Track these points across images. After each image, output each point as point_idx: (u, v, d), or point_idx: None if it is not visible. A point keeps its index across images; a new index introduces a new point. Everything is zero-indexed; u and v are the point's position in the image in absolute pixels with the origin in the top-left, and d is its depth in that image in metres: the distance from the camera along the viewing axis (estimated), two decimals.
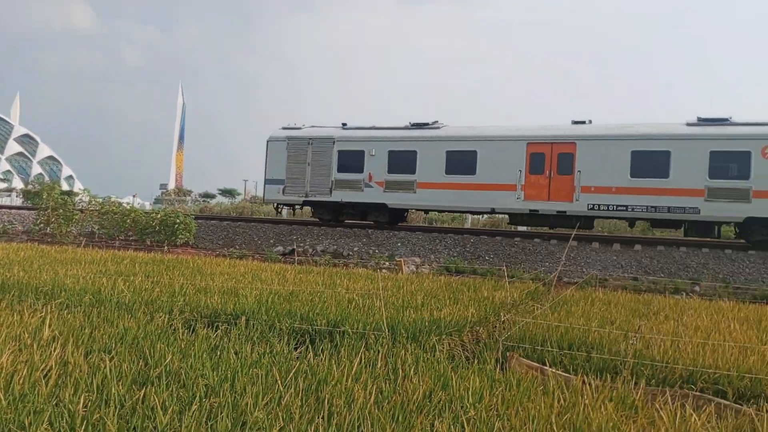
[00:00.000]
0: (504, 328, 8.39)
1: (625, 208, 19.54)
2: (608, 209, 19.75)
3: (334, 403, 4.54)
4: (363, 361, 5.85)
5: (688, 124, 19.87)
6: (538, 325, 8.20)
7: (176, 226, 21.40)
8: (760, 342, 8.57)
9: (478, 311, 9.35)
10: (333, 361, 5.73)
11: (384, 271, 15.08)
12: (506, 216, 23.18)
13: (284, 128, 25.01)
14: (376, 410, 4.42)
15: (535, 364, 6.52)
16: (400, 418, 4.31)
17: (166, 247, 19.63)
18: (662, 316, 10.41)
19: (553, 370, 6.18)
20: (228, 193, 74.12)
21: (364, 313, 7.87)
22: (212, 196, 71.92)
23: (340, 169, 23.40)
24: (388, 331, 6.90)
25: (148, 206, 56.66)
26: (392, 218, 23.74)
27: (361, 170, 23.02)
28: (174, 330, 6.58)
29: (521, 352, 7.14)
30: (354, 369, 5.41)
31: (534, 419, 4.69)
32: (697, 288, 15.19)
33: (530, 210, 20.65)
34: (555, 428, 4.54)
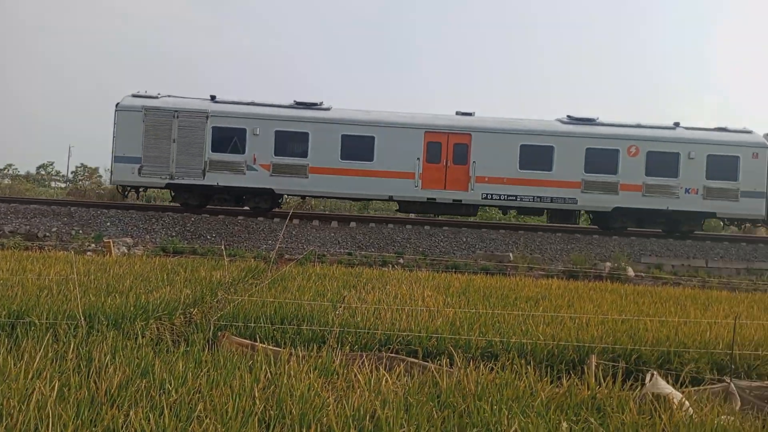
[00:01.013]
0: (219, 308, 8.23)
1: (515, 198, 20.76)
2: (500, 198, 20.78)
3: (7, 404, 3.92)
4: (50, 354, 5.19)
5: (563, 122, 21.79)
6: (252, 302, 8.21)
7: None
8: (446, 305, 9.88)
9: (194, 292, 9.02)
10: (11, 357, 4.97)
11: (89, 254, 13.66)
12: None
13: (136, 96, 21.13)
14: (59, 407, 3.92)
15: (247, 341, 6.51)
16: (86, 412, 3.89)
17: None
18: (369, 286, 11.32)
19: (263, 346, 6.25)
20: None
21: (57, 301, 6.98)
22: None
23: (216, 148, 20.60)
24: (85, 320, 6.22)
25: None
26: (273, 204, 21.92)
27: (242, 150, 20.63)
28: None
29: (234, 331, 7.08)
30: (36, 364, 4.75)
31: (238, 396, 4.66)
32: (401, 260, 16.90)
33: (428, 198, 20.88)
34: (258, 402, 4.57)
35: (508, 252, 17.93)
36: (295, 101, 21.57)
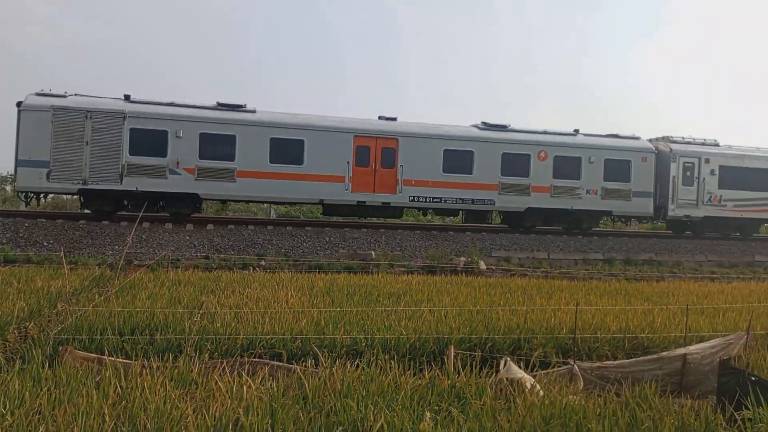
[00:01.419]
0: (60, 321, 7.48)
1: (439, 200, 21.32)
2: (426, 201, 21.25)
3: None
4: None
5: (479, 128, 22.47)
6: (98, 313, 7.57)
7: None
8: (311, 306, 9.78)
9: (30, 304, 8.14)
10: None
11: None
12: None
13: (41, 94, 18.85)
14: None
15: (93, 355, 5.97)
16: None
17: None
18: (229, 290, 10.91)
19: (112, 359, 5.76)
20: None
21: None
22: None
23: (134, 152, 18.89)
24: None
25: None
26: (195, 210, 20.50)
27: (164, 154, 19.07)
28: None
29: (78, 344, 6.46)
30: None
31: (85, 414, 4.23)
32: (263, 262, 16.51)
33: (358, 201, 20.79)
34: (108, 419, 4.19)
35: (371, 250, 18.20)
36: (218, 102, 20.53)
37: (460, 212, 22.92)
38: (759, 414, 4.95)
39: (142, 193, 19.10)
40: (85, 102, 18.91)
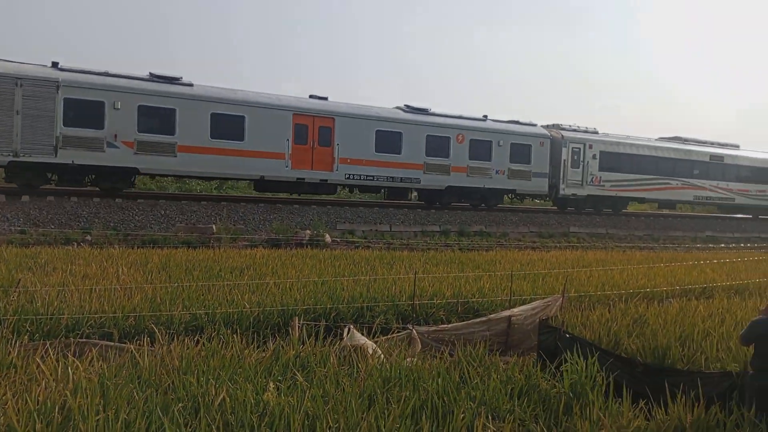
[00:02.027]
0: None
1: (372, 178, 22.23)
2: (360, 178, 22.04)
3: None
4: None
5: (405, 111, 23.54)
6: None
7: None
8: (145, 282, 9.23)
9: None
10: None
11: None
12: None
13: None
14: None
15: None
16: None
17: None
18: (50, 267, 9.95)
19: None
20: None
21: None
22: None
23: (69, 123, 17.54)
24: None
25: None
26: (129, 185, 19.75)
27: (101, 126, 17.96)
28: None
29: None
30: None
31: None
32: (88, 237, 15.23)
33: (297, 178, 21.02)
34: None
35: (211, 224, 17.55)
36: (151, 74, 19.51)
37: (383, 190, 24.27)
38: (572, 365, 5.56)
39: (77, 166, 17.92)
40: (14, 68, 17.34)
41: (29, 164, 17.45)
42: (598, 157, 27.35)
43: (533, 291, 10.51)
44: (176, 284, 8.68)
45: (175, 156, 19.05)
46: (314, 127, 21.33)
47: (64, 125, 17.52)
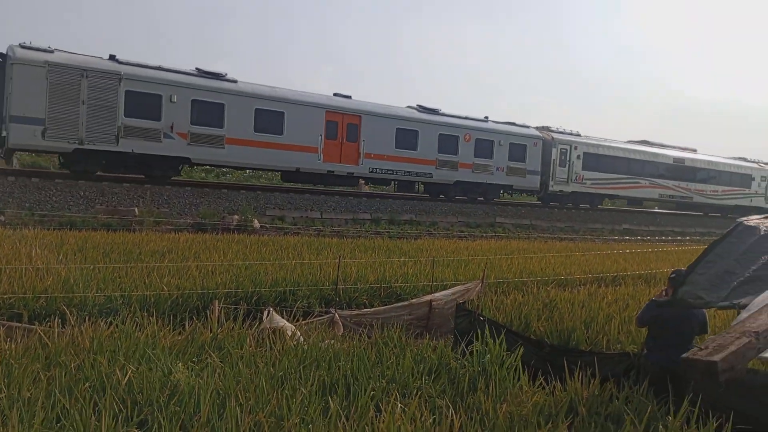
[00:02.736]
0: None
1: (392, 172, 24.47)
2: (382, 172, 24.18)
3: None
4: None
5: (419, 111, 25.67)
6: None
7: None
8: (59, 263, 8.91)
9: None
10: None
11: None
12: None
13: (27, 47, 17.70)
14: None
15: None
16: None
17: None
18: None
19: None
20: None
21: None
22: None
23: (130, 114, 18.75)
24: None
25: None
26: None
27: (158, 118, 19.25)
28: None
29: None
30: None
31: None
32: (1, 217, 14.50)
33: (328, 171, 22.77)
34: None
35: (134, 207, 17.03)
36: (197, 69, 20.86)
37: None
38: (481, 345, 5.80)
39: (137, 155, 19.06)
40: (81, 60, 18.36)
41: (93, 152, 18.44)
42: (581, 157, 29.96)
43: (455, 277, 10.81)
44: (91, 266, 8.43)
45: (223, 147, 20.48)
46: (343, 124, 23.18)
47: (125, 116, 18.66)
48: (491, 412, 4.25)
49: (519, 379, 5.07)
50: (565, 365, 5.32)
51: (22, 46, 17.76)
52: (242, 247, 12.42)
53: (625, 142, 33.75)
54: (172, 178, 20.62)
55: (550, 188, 29.24)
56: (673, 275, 5.38)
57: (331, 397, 4.35)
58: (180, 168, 20.97)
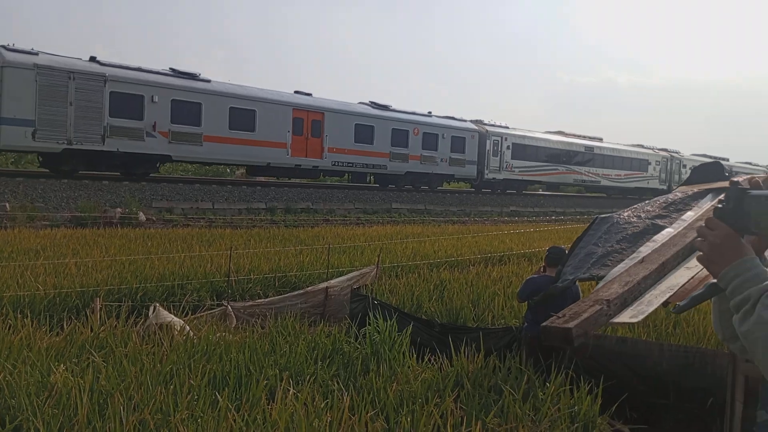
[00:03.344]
0: None
1: (352, 165, 26.39)
2: (343, 165, 26.13)
3: None
4: None
5: (373, 107, 27.67)
6: None
7: None
8: None
9: None
10: None
11: None
12: None
13: (11, 49, 17.53)
14: None
15: None
16: None
17: None
18: None
19: None
20: None
21: None
22: None
23: (115, 114, 19.19)
24: None
25: None
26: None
27: (141, 117, 19.90)
28: None
29: None
30: None
31: None
32: None
33: (295, 165, 24.35)
34: None
35: (4, 202, 15.72)
36: (171, 69, 21.57)
37: (370, 177, 28.98)
38: (373, 327, 5.92)
39: (122, 153, 19.64)
40: (68, 63, 18.71)
41: (80, 152, 18.84)
42: (510, 148, 32.94)
43: (351, 264, 10.91)
44: None
45: (201, 145, 21.36)
46: (308, 120, 24.60)
47: (110, 116, 19.14)
48: (382, 391, 4.37)
49: (412, 359, 5.24)
50: (450, 342, 5.55)
51: (8, 49, 17.84)
52: (126, 241, 11.86)
53: (543, 133, 37.16)
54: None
55: (486, 176, 31.87)
56: (547, 253, 5.75)
57: (223, 390, 4.29)
58: (157, 165, 22.03)
